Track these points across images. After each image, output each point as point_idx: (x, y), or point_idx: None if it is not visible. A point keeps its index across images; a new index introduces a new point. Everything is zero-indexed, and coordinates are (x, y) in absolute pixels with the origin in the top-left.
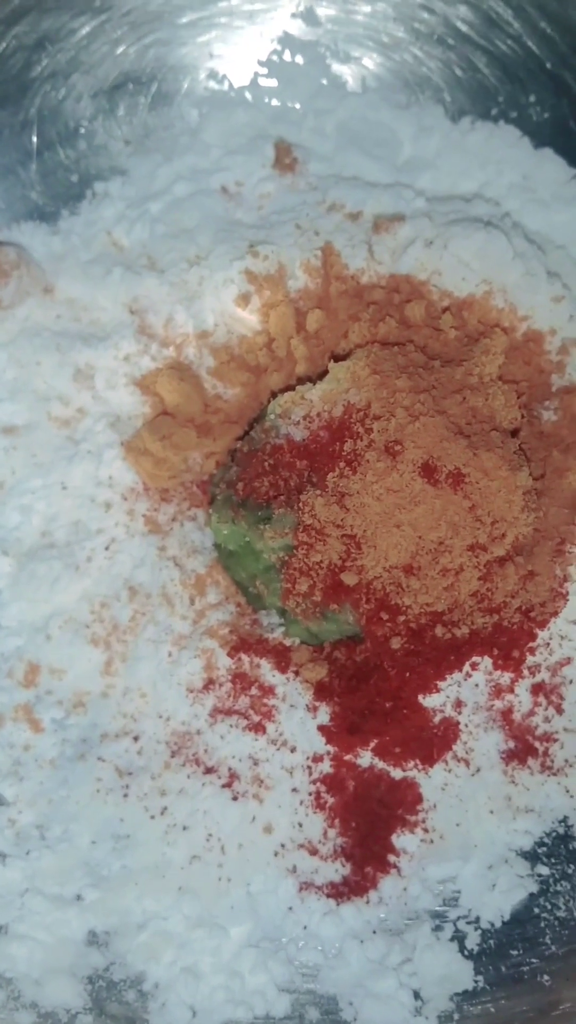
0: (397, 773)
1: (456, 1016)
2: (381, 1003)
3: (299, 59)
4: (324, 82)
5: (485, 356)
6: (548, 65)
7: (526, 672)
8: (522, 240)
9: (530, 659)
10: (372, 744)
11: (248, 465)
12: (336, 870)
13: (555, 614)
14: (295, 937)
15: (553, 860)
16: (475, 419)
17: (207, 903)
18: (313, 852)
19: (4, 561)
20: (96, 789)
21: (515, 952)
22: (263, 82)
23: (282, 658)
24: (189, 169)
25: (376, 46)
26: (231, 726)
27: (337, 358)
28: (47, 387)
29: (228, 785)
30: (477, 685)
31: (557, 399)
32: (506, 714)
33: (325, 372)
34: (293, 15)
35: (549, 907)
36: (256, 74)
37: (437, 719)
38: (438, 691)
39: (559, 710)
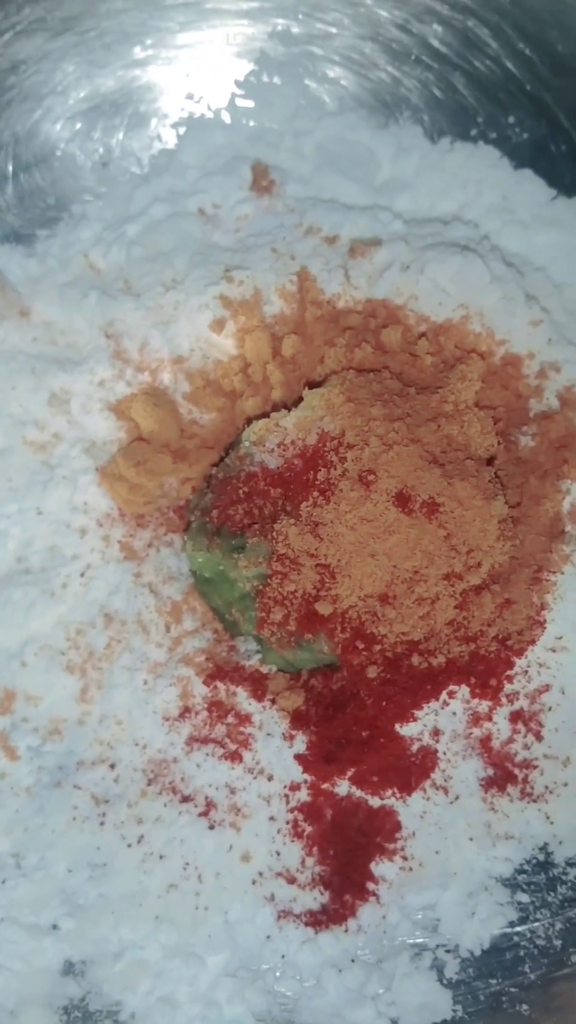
0: (375, 801)
1: None
2: None
3: (276, 79)
4: (302, 102)
5: (461, 383)
6: (527, 86)
7: (504, 700)
8: (500, 263)
9: (508, 687)
10: (349, 773)
11: (223, 492)
12: (314, 898)
13: (532, 642)
14: (273, 966)
15: (533, 887)
16: (450, 447)
17: (184, 932)
18: (291, 880)
19: None
20: (72, 817)
21: (494, 981)
22: (240, 103)
23: (258, 686)
24: (166, 191)
25: (354, 66)
26: (207, 754)
27: (312, 384)
28: (22, 411)
29: (205, 814)
30: (455, 713)
31: (535, 424)
32: (484, 742)
33: (301, 398)
34: (270, 35)
35: (529, 935)
36: (233, 95)
37: (415, 747)
38: (415, 720)
39: (538, 737)
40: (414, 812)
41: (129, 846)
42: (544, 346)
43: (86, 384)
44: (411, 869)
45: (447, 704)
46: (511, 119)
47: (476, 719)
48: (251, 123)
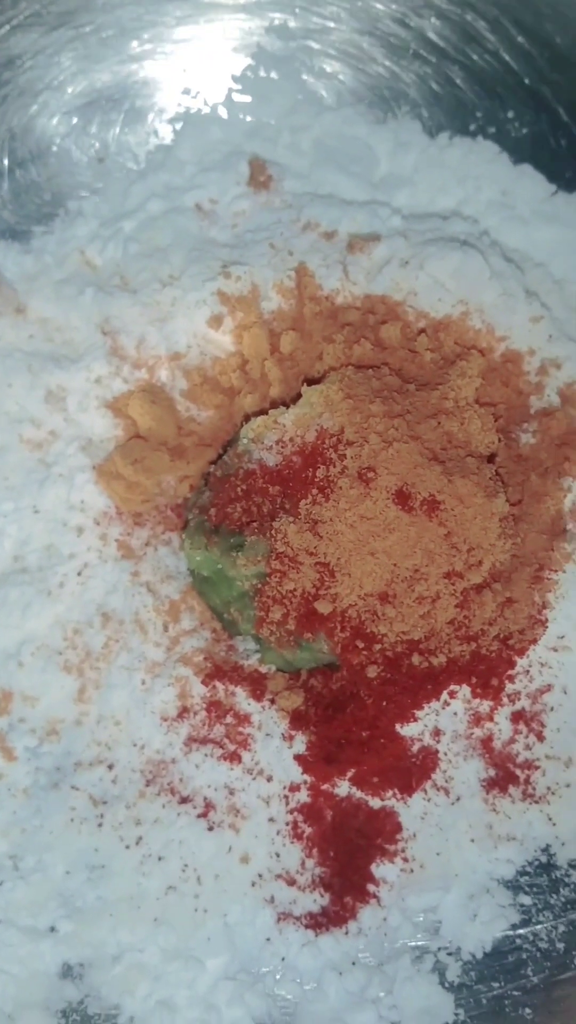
0: (375, 802)
1: None
2: None
3: (274, 74)
4: (299, 97)
5: (461, 379)
6: (526, 80)
7: (505, 700)
8: (500, 259)
9: (509, 687)
10: (349, 774)
11: (221, 490)
12: (315, 900)
13: (534, 641)
14: (273, 969)
15: (535, 889)
16: (450, 444)
17: (183, 934)
18: (291, 882)
19: None
20: (70, 818)
21: (496, 984)
22: (237, 98)
23: (257, 686)
24: (163, 187)
25: (352, 60)
26: (206, 755)
27: (311, 381)
28: (19, 409)
29: (204, 815)
30: (456, 713)
31: (536, 421)
32: (486, 742)
33: (299, 395)
34: (267, 30)
35: (531, 938)
36: (230, 90)
37: (415, 748)
38: (416, 720)
39: (540, 737)
40: (415, 813)
41: (127, 848)
42: (545, 342)
43: (83, 381)
44: (412, 871)
45: (448, 704)
46: (510, 113)
47: (477, 719)
48: (248, 118)
